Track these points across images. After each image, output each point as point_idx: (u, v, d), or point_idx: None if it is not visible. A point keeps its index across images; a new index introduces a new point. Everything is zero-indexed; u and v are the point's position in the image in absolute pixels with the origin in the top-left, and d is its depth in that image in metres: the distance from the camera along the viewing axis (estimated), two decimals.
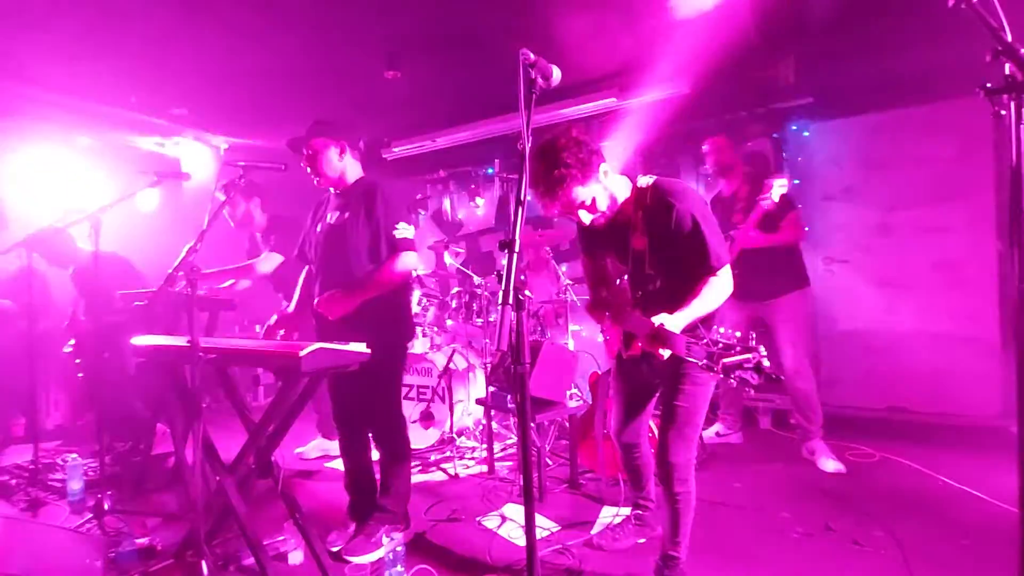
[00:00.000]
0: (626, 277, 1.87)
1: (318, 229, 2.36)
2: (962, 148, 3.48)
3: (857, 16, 3.27)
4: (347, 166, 2.32)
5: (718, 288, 1.68)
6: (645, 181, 1.79)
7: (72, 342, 3.38)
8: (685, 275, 1.72)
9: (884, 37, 3.42)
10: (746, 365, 1.26)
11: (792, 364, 3.01)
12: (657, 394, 2.04)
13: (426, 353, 3.70)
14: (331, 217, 2.31)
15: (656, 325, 1.50)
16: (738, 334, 1.32)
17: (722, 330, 1.35)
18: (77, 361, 3.29)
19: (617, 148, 4.88)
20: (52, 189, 4.28)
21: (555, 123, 4.56)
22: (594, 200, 1.71)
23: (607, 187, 1.74)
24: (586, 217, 1.74)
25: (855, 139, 3.97)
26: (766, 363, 1.26)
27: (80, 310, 3.35)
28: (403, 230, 2.22)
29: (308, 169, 2.27)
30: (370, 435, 2.37)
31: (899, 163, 3.76)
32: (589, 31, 3.43)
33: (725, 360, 1.27)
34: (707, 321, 1.70)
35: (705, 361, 1.32)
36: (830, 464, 2.94)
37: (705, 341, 1.34)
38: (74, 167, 4.47)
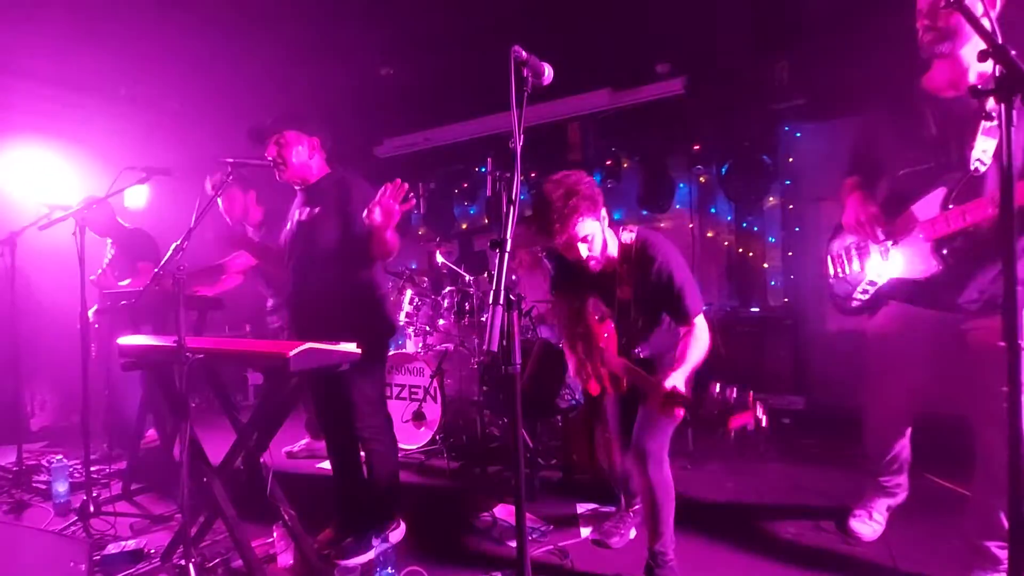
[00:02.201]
0: (611, 323, 1.98)
1: (288, 227, 2.33)
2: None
3: (849, 17, 3.28)
4: (314, 163, 2.26)
5: (701, 340, 1.79)
6: (628, 237, 1.90)
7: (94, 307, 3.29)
8: (661, 315, 1.95)
9: (877, 37, 3.44)
10: (748, 428, 1.46)
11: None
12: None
13: (418, 353, 3.68)
14: (299, 214, 2.26)
15: (669, 388, 1.57)
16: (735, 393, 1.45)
17: (718, 387, 1.49)
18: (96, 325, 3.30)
19: (611, 147, 4.89)
20: (39, 184, 4.21)
21: (549, 121, 4.57)
22: (593, 239, 1.80)
23: (604, 231, 1.85)
24: (584, 250, 1.81)
25: (848, 139, 3.98)
26: (763, 422, 1.44)
27: (113, 272, 3.33)
28: None
29: (272, 161, 2.20)
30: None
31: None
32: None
33: (732, 422, 1.45)
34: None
35: (717, 417, 1.48)
36: None
37: (712, 399, 1.50)
38: (61, 163, 4.40)
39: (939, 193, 1.64)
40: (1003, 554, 1.70)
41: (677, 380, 1.62)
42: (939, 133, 1.67)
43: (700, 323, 1.81)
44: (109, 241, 3.38)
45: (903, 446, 2.11)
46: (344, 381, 2.10)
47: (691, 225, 4.83)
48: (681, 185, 4.80)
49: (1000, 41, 1.02)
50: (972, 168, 1.56)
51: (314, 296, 2.21)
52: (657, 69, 4.13)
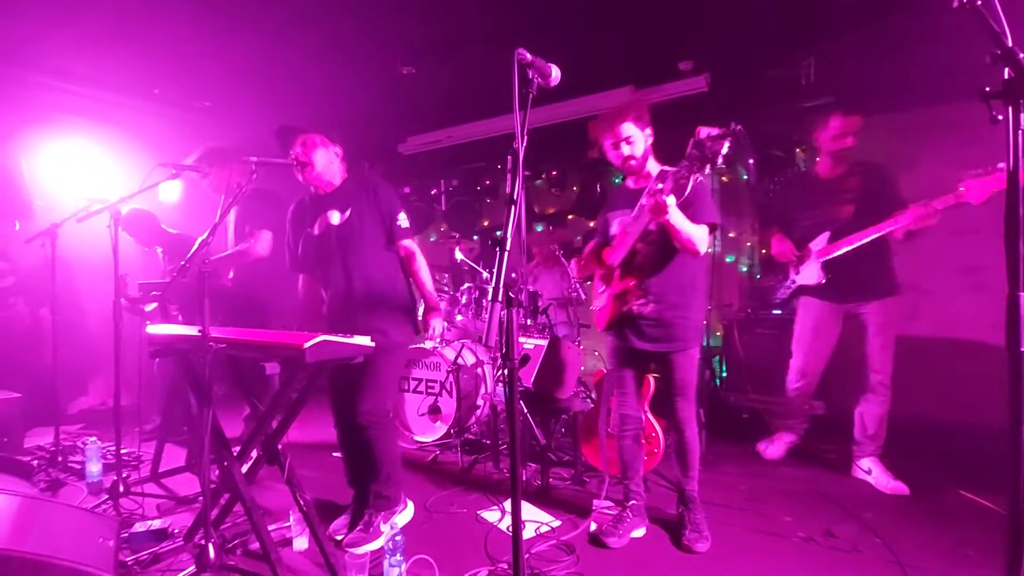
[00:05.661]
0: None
1: (316, 230, 2.40)
2: (987, 148, 3.38)
3: (878, 14, 3.20)
4: (336, 167, 2.39)
5: (700, 231, 2.10)
6: (668, 168, 2.23)
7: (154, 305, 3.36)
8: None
9: (906, 34, 3.34)
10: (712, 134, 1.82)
11: (878, 377, 2.85)
12: (650, 376, 2.52)
13: (435, 347, 3.74)
14: (335, 218, 2.34)
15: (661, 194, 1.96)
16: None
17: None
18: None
19: None
20: (77, 180, 4.40)
21: (569, 120, 4.56)
22: (635, 142, 2.20)
23: (646, 144, 2.24)
24: (627, 150, 2.20)
25: (877, 139, 3.87)
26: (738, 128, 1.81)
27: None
28: (404, 220, 2.35)
29: (297, 162, 2.29)
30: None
31: (923, 163, 3.66)
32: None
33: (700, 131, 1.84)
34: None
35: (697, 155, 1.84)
36: (888, 483, 2.75)
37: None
38: (99, 158, 4.60)
39: (825, 235, 2.85)
40: None
41: (671, 200, 1.95)
42: (822, 199, 2.89)
43: (705, 229, 2.10)
44: (160, 250, 3.45)
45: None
46: (364, 368, 2.15)
47: None
48: None
49: (1010, 44, 1.00)
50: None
51: (353, 295, 2.31)
52: (680, 66, 4.08)
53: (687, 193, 1.98)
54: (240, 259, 3.01)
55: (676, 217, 1.98)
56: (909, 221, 2.59)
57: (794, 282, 3.02)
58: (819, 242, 2.87)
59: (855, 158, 2.87)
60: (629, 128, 2.19)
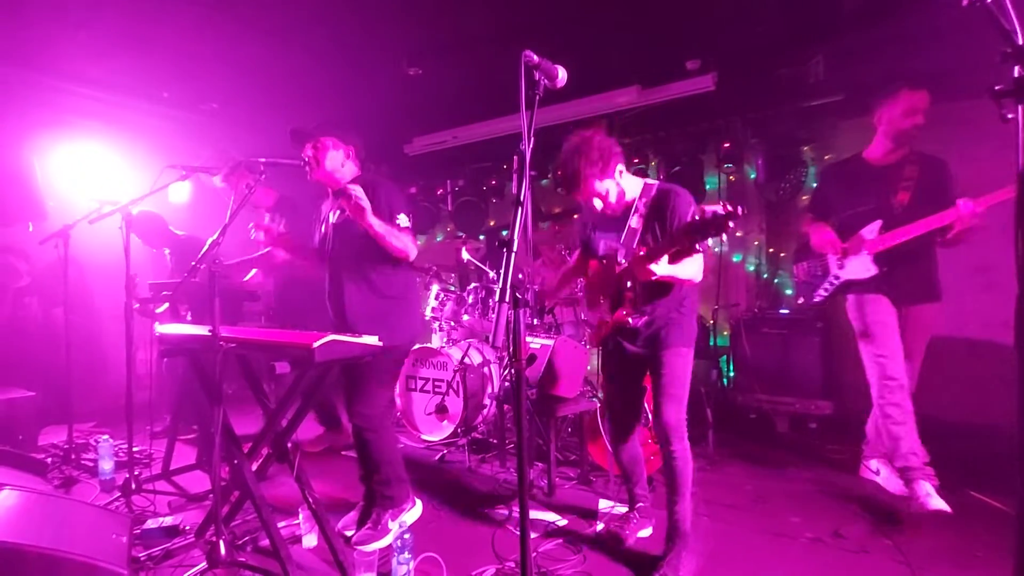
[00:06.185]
0: (621, 254, 2.13)
1: (322, 229, 2.46)
2: (997, 147, 3.34)
3: (886, 11, 3.18)
4: (346, 168, 2.40)
5: (694, 262, 1.95)
6: (651, 183, 2.16)
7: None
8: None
9: (915, 32, 3.31)
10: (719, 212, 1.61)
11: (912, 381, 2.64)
12: (643, 385, 2.30)
13: (442, 347, 3.75)
14: (333, 216, 2.39)
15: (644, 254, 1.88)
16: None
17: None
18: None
19: (638, 145, 4.85)
20: (89, 182, 4.45)
21: (574, 120, 4.55)
22: (608, 192, 2.08)
23: (619, 184, 2.09)
24: (598, 204, 2.10)
25: None
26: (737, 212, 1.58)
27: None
28: (404, 220, 2.28)
29: (307, 163, 2.32)
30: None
31: None
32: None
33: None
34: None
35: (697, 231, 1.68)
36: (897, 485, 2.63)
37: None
38: (110, 161, 4.65)
39: (876, 224, 2.52)
40: None
41: (661, 263, 1.85)
42: (872, 186, 2.57)
43: (699, 258, 1.98)
44: (167, 251, 3.50)
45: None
46: (355, 369, 2.19)
47: None
48: (711, 184, 4.72)
49: (1020, 42, 1.00)
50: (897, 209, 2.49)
51: (346, 294, 2.32)
52: (687, 65, 4.06)
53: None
54: (263, 263, 3.07)
55: (666, 272, 1.88)
56: (971, 211, 2.32)
57: (838, 278, 2.64)
58: (871, 231, 2.53)
59: (913, 145, 2.57)
60: (599, 187, 2.04)
